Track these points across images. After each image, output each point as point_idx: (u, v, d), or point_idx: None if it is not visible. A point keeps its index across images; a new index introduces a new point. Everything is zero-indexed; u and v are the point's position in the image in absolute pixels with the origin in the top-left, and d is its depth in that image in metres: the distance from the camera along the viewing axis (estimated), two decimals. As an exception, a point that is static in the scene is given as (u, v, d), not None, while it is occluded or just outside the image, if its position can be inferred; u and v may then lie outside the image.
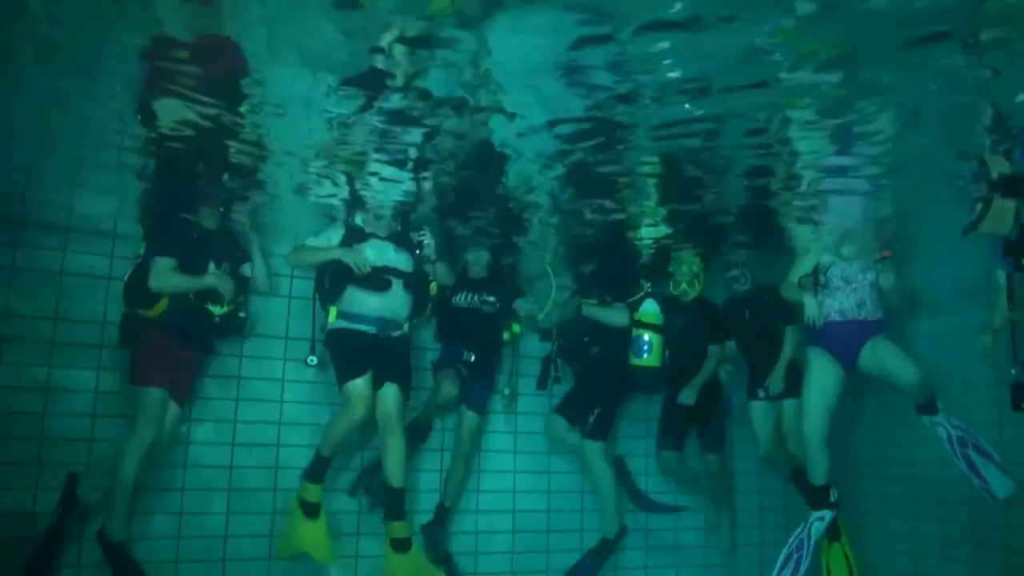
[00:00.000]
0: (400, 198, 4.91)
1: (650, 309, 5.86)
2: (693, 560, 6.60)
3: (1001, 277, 4.51)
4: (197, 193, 4.87)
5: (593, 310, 5.89)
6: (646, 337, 5.79)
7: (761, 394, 5.85)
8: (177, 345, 4.86)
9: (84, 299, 5.16)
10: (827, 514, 5.20)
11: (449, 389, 5.57)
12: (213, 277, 4.90)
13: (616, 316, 5.89)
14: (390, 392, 5.08)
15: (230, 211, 5.10)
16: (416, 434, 5.66)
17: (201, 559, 5.28)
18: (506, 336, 6.04)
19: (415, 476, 5.79)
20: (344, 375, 5.00)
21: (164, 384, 4.78)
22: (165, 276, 4.78)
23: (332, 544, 5.06)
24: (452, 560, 5.76)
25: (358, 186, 4.69)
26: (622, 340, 5.84)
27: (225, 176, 4.56)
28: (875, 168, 4.22)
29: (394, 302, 5.19)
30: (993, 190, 4.09)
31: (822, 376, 5.22)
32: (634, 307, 5.90)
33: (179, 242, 4.87)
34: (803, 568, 5.14)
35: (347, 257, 5.05)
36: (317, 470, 5.03)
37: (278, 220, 5.34)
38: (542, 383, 5.97)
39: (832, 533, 5.37)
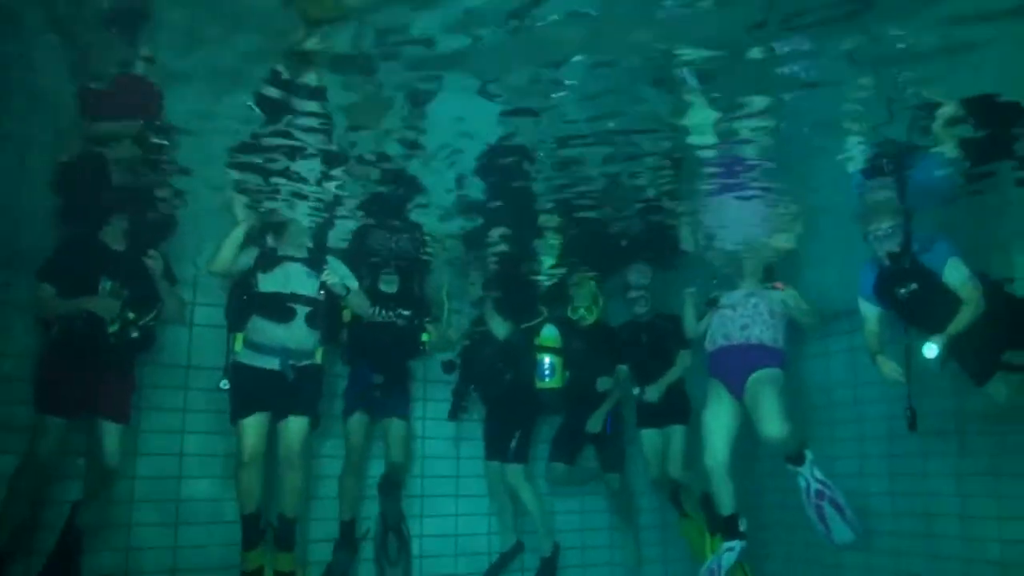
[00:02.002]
0: (313, 216, 4.95)
1: (550, 334, 6.09)
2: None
3: (868, 310, 4.85)
4: (100, 213, 4.85)
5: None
6: (548, 360, 6.01)
7: (635, 391, 6.07)
8: (76, 366, 4.74)
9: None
10: (737, 544, 5.22)
11: (359, 432, 5.68)
12: (92, 299, 4.74)
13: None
14: (294, 425, 5.04)
15: (145, 238, 5.02)
16: (344, 541, 5.72)
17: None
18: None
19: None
20: (237, 411, 4.96)
21: (62, 412, 4.69)
22: (44, 303, 4.75)
23: None
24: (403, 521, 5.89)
25: (270, 205, 4.76)
26: (530, 365, 6.00)
27: (128, 196, 4.61)
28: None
29: (299, 332, 5.09)
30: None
31: (717, 408, 5.31)
32: (534, 332, 6.08)
33: (67, 265, 4.78)
34: None
35: (242, 229, 4.92)
36: (248, 535, 4.91)
37: (189, 246, 5.32)
38: (453, 414, 6.11)
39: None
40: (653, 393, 5.98)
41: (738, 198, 4.74)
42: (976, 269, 4.57)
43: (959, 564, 5.40)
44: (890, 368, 4.72)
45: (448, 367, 6.01)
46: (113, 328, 4.78)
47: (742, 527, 5.23)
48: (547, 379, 6.00)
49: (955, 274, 4.43)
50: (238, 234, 4.92)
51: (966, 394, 5.26)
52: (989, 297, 4.48)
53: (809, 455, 5.11)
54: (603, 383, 6.15)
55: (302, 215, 4.95)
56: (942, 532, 5.55)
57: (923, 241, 4.54)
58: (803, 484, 5.10)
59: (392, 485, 5.80)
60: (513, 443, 6.07)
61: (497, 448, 6.16)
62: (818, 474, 5.07)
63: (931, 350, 4.32)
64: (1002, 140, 3.93)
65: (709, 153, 4.11)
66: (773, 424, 4.88)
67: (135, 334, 4.87)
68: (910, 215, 4.56)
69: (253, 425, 4.90)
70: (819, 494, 5.05)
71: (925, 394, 5.42)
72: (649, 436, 6.17)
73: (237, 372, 5.02)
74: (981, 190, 4.46)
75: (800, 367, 6.42)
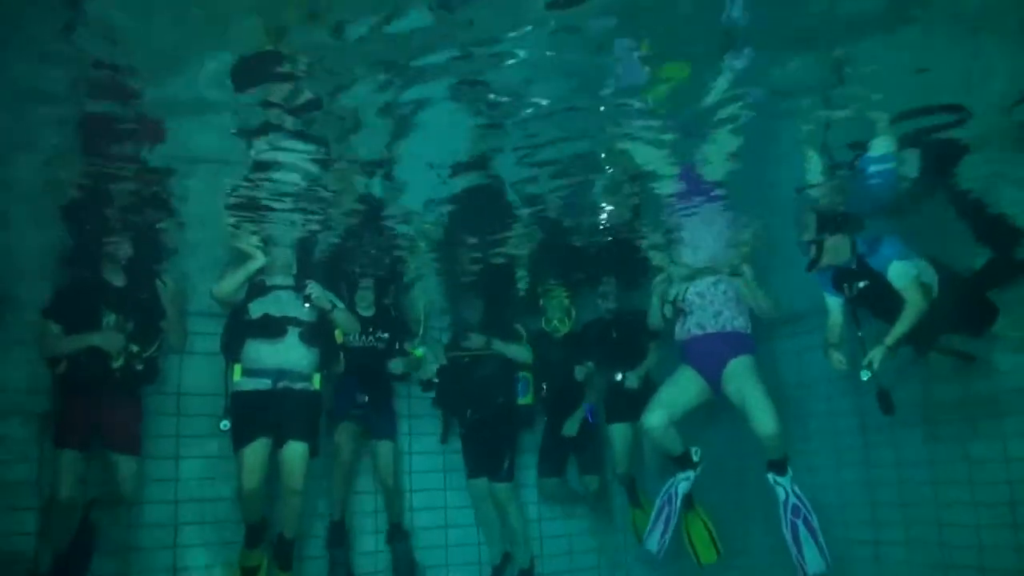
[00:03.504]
0: (295, 238, 5.10)
1: (526, 352, 6.26)
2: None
3: (831, 302, 5.02)
4: (99, 251, 4.98)
5: (501, 346, 6.14)
6: (523, 377, 6.25)
7: (618, 377, 6.18)
8: (86, 400, 4.87)
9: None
10: (691, 474, 5.39)
11: (348, 444, 5.80)
12: (96, 335, 4.87)
13: (523, 352, 6.21)
14: (294, 451, 5.14)
15: (151, 272, 5.20)
16: (335, 539, 5.88)
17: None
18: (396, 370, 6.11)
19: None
20: (239, 440, 5.06)
21: (77, 444, 4.83)
22: (50, 341, 4.89)
23: None
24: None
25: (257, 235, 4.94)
26: (511, 383, 6.20)
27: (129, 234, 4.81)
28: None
29: (292, 352, 5.19)
30: (822, 231, 4.58)
31: (680, 377, 5.42)
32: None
33: (70, 303, 4.93)
34: (673, 522, 5.40)
35: (258, 263, 5.10)
36: (251, 536, 5.11)
37: (189, 276, 5.49)
38: (444, 438, 6.38)
39: (687, 503, 5.62)
40: (632, 379, 6.10)
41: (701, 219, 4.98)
42: (929, 254, 4.74)
43: (936, 549, 5.54)
44: (836, 359, 4.91)
45: (427, 386, 6.14)
46: (118, 362, 4.90)
47: (695, 458, 5.38)
48: (524, 396, 6.26)
49: (898, 278, 4.56)
50: (252, 267, 5.09)
51: (935, 382, 5.45)
52: (940, 282, 4.65)
53: (790, 470, 5.14)
54: (580, 371, 6.28)
55: (287, 236, 5.05)
56: (919, 519, 5.68)
57: (869, 242, 4.68)
58: (782, 496, 5.12)
59: (402, 534, 6.02)
60: (506, 463, 6.20)
61: (480, 466, 6.28)
62: (797, 490, 5.10)
63: (866, 373, 4.52)
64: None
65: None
66: (766, 422, 4.95)
67: (139, 367, 5.00)
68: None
69: (253, 454, 5.01)
70: (795, 510, 5.06)
71: (897, 385, 5.62)
72: (620, 430, 6.27)
73: (236, 400, 5.13)
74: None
75: (775, 364, 6.58)
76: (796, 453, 5.93)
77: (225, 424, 5.08)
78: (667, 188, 4.49)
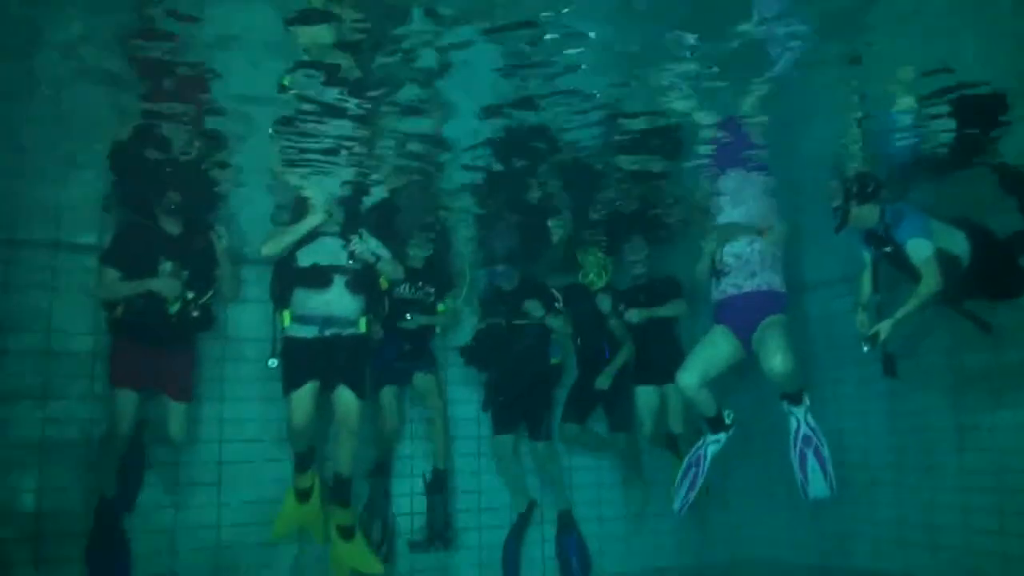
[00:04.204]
0: (343, 190, 5.25)
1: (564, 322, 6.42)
2: (615, 531, 7.06)
3: (866, 257, 5.07)
4: (154, 198, 5.14)
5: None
6: (554, 339, 6.45)
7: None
8: (142, 344, 5.07)
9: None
10: (722, 436, 5.50)
11: (392, 405, 6.02)
12: (155, 280, 5.04)
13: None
14: (344, 396, 5.35)
15: (205, 222, 5.37)
16: (381, 472, 6.11)
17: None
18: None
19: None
20: (288, 384, 5.26)
21: (133, 384, 5.04)
22: (109, 287, 5.06)
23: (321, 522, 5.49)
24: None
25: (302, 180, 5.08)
26: (546, 347, 6.40)
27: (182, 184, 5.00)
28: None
29: (338, 299, 5.35)
30: (849, 200, 4.66)
31: (714, 336, 5.51)
32: None
33: (128, 249, 5.09)
34: (699, 483, 5.54)
35: (314, 221, 5.28)
36: (300, 462, 5.39)
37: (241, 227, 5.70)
38: (487, 406, 6.48)
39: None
40: (634, 315, 6.25)
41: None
42: (960, 216, 4.81)
43: (958, 514, 5.63)
44: (860, 321, 5.00)
45: (464, 351, 6.25)
46: (174, 308, 5.09)
47: (728, 420, 5.48)
48: (553, 357, 6.45)
49: (916, 254, 4.60)
50: (305, 225, 5.28)
51: (964, 350, 5.49)
52: (973, 248, 4.71)
53: (807, 400, 5.23)
54: (616, 326, 6.43)
55: (336, 185, 5.21)
56: (941, 485, 5.76)
57: (894, 214, 4.73)
58: (793, 425, 5.22)
59: (441, 483, 6.21)
60: (543, 423, 6.44)
61: (510, 423, 6.46)
62: (811, 420, 5.19)
63: (867, 345, 4.61)
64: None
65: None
66: (776, 358, 5.02)
67: (195, 313, 5.17)
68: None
69: (303, 397, 5.20)
70: (807, 440, 5.16)
71: (925, 350, 5.68)
72: (646, 393, 6.41)
73: (286, 345, 5.34)
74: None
75: (806, 326, 6.67)
76: (826, 416, 6.04)
77: (273, 362, 5.29)
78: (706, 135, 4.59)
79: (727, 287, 5.53)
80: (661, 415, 6.39)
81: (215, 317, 5.44)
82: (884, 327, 4.57)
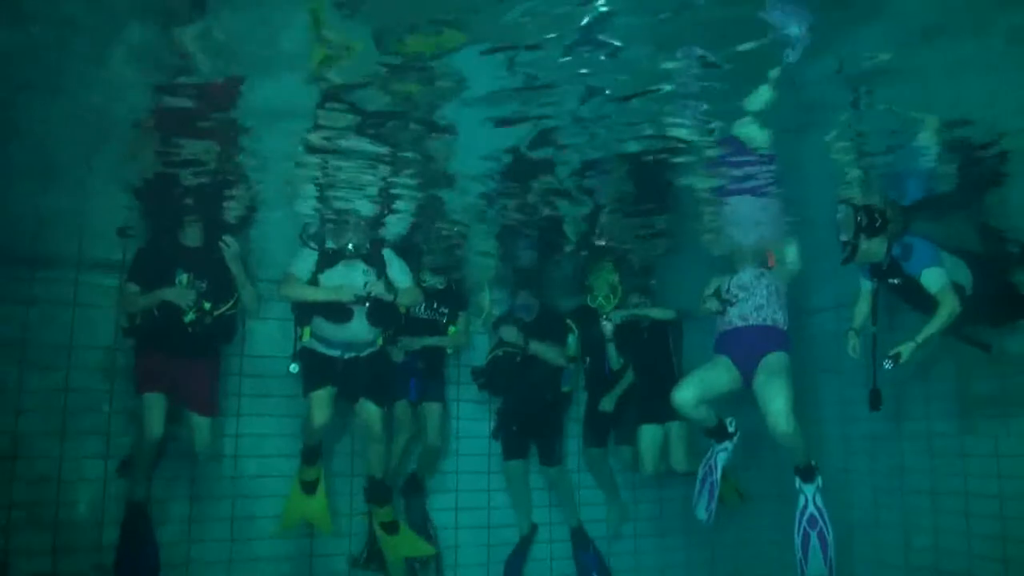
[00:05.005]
0: (368, 210, 5.25)
1: (572, 342, 6.55)
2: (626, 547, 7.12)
3: (865, 285, 5.14)
4: (178, 215, 5.27)
5: (537, 347, 6.32)
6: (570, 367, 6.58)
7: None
8: (164, 352, 5.20)
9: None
10: (728, 444, 5.49)
11: (406, 419, 6.08)
12: (169, 291, 5.17)
13: (558, 355, 6.42)
14: (366, 407, 5.49)
15: (219, 237, 5.39)
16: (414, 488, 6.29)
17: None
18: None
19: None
20: (308, 386, 5.41)
21: (158, 389, 5.14)
22: (128, 299, 5.23)
23: (330, 516, 5.65)
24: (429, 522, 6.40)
25: (328, 199, 5.08)
26: (558, 376, 6.52)
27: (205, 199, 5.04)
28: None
29: (360, 328, 5.43)
30: (859, 233, 4.72)
31: (715, 363, 5.44)
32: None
33: (148, 263, 5.25)
34: (716, 492, 5.54)
35: (330, 297, 5.33)
36: (308, 455, 5.54)
37: (261, 244, 5.77)
38: (496, 434, 6.64)
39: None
40: (617, 316, 6.28)
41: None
42: (970, 249, 4.90)
43: (962, 539, 5.65)
44: (851, 346, 5.13)
45: (477, 375, 6.37)
46: (189, 317, 5.19)
47: (731, 428, 5.49)
48: (564, 385, 6.59)
49: (932, 283, 4.63)
50: (330, 295, 5.33)
51: (969, 376, 5.53)
52: (978, 287, 4.78)
53: (819, 480, 5.13)
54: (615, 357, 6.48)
55: (361, 206, 5.18)
56: (947, 508, 5.80)
57: (903, 247, 4.76)
58: (801, 503, 5.14)
59: (418, 487, 6.33)
60: (556, 449, 6.60)
61: (520, 450, 6.58)
62: (819, 501, 5.08)
63: (889, 363, 4.57)
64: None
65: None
66: (781, 420, 4.90)
67: (208, 320, 5.25)
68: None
69: (323, 397, 5.35)
70: (812, 520, 5.07)
71: (932, 378, 5.71)
72: (650, 431, 6.37)
73: (305, 355, 5.45)
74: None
75: (813, 347, 6.76)
76: (832, 437, 6.12)
77: (294, 367, 5.39)
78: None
79: (733, 318, 5.49)
80: (664, 453, 6.40)
81: (236, 328, 5.60)
82: (906, 348, 4.55)
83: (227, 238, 5.33)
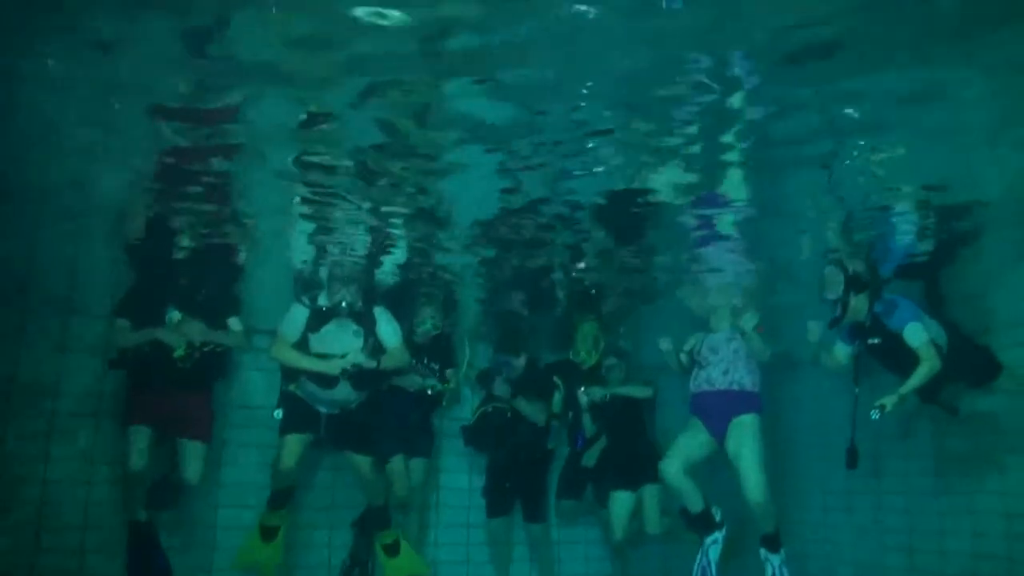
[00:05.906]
0: (361, 259, 5.46)
1: (558, 399, 6.55)
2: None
3: (840, 348, 5.24)
4: (171, 255, 5.44)
5: (523, 405, 6.30)
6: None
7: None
8: (153, 386, 5.31)
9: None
10: (718, 535, 5.48)
11: (400, 470, 6.01)
12: (160, 331, 5.31)
13: (540, 414, 6.42)
14: (357, 461, 5.59)
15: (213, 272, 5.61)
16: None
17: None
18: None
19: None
20: (284, 427, 5.46)
21: (146, 422, 5.23)
22: (120, 335, 5.33)
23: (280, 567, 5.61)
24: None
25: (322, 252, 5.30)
26: (546, 435, 6.58)
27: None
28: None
29: (345, 390, 5.42)
30: (848, 290, 4.83)
31: (691, 428, 5.58)
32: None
33: (138, 302, 5.38)
34: None
35: (317, 368, 5.34)
36: (275, 500, 5.49)
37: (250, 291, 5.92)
38: (485, 492, 6.60)
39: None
40: (596, 392, 6.30)
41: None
42: (947, 320, 5.03)
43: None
44: (811, 331, 5.25)
45: (465, 432, 6.34)
46: (179, 353, 5.33)
47: (717, 517, 5.50)
48: (550, 443, 6.60)
49: (914, 337, 4.77)
50: (320, 367, 5.33)
51: (944, 436, 5.61)
52: (952, 348, 4.89)
53: (782, 552, 5.27)
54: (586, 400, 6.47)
55: (353, 252, 5.39)
56: (923, 567, 5.83)
57: (886, 304, 4.90)
58: (768, 573, 5.28)
59: (373, 523, 6.10)
60: (541, 506, 6.63)
61: (504, 507, 6.55)
62: (785, 573, 5.23)
63: (876, 412, 4.67)
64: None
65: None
66: (755, 489, 5.16)
67: (196, 355, 5.40)
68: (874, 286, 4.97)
69: (295, 441, 5.41)
70: None
71: (909, 435, 5.79)
72: (620, 498, 6.35)
73: (290, 398, 5.51)
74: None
75: (794, 405, 6.84)
76: (812, 492, 6.15)
77: (278, 413, 5.47)
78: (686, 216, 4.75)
79: (701, 381, 5.64)
80: (635, 520, 6.37)
81: (227, 365, 5.74)
82: (890, 400, 4.68)
83: (232, 321, 5.56)
